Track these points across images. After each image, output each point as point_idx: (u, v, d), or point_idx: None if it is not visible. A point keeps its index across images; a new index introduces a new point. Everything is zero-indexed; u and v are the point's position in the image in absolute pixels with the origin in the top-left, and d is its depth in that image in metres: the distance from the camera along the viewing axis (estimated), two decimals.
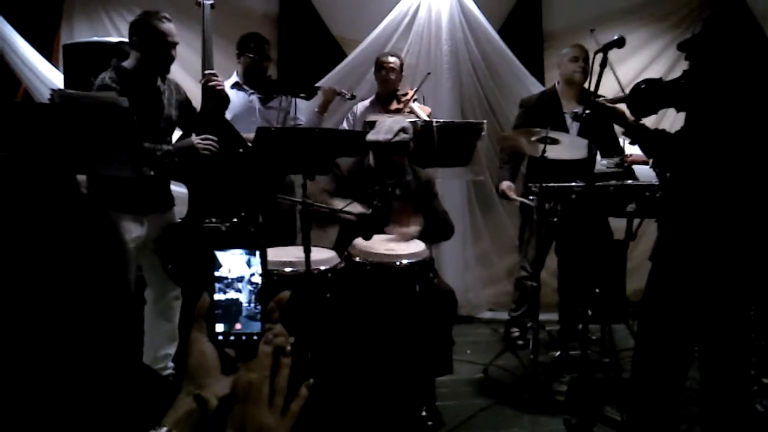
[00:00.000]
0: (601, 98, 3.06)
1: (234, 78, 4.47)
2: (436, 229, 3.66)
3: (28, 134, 2.65)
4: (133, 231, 3.43)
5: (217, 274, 1.00)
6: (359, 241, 3.36)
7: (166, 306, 3.65)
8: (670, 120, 4.55)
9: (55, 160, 2.59)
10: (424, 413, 3.34)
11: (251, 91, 4.46)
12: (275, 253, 3.37)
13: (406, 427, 3.29)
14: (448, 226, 3.78)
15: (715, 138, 2.60)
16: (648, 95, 2.81)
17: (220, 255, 1.00)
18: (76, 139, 2.71)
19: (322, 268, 3.16)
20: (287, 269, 3.11)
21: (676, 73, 2.82)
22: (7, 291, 0.71)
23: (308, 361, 2.97)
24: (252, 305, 1.00)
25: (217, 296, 1.00)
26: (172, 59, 3.49)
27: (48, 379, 0.73)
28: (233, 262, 1.00)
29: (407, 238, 3.42)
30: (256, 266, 1.00)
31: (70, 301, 0.75)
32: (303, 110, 4.61)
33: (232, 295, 1.00)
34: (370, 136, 3.54)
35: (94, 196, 3.39)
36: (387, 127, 3.54)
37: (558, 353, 4.08)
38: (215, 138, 3.54)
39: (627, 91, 2.98)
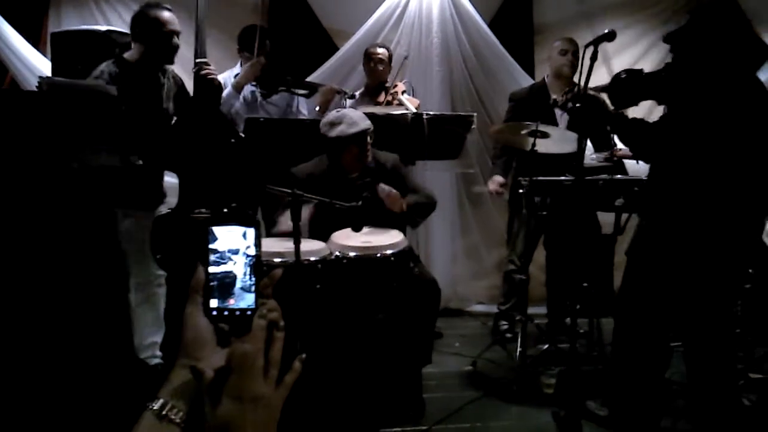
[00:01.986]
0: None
1: (236, 70, 4.45)
2: (418, 203, 3.60)
3: (15, 122, 2.62)
4: (120, 225, 3.41)
5: (212, 246, 1.00)
6: (337, 235, 3.35)
7: (150, 294, 3.62)
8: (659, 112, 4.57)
9: (42, 148, 2.56)
10: (409, 404, 3.34)
11: (253, 83, 4.44)
12: (264, 244, 3.34)
13: (389, 418, 3.29)
14: (429, 198, 3.71)
15: (695, 131, 2.62)
16: (628, 86, 2.82)
17: (216, 229, 1.00)
18: (63, 127, 2.69)
19: (312, 258, 3.15)
20: (276, 260, 3.09)
21: None
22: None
23: (297, 352, 2.95)
24: (247, 277, 1.00)
25: (212, 269, 1.00)
26: (173, 48, 3.50)
27: (42, 371, 0.73)
28: (229, 236, 1.00)
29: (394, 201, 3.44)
30: (251, 239, 1.01)
31: (63, 292, 0.75)
32: (305, 104, 4.59)
33: (227, 267, 1.00)
34: (351, 130, 3.44)
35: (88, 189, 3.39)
36: (357, 117, 3.50)
37: (546, 346, 4.09)
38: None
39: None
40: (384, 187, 3.46)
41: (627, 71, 2.87)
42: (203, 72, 3.57)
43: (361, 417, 3.25)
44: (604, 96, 2.92)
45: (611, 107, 2.88)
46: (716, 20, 2.67)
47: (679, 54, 2.75)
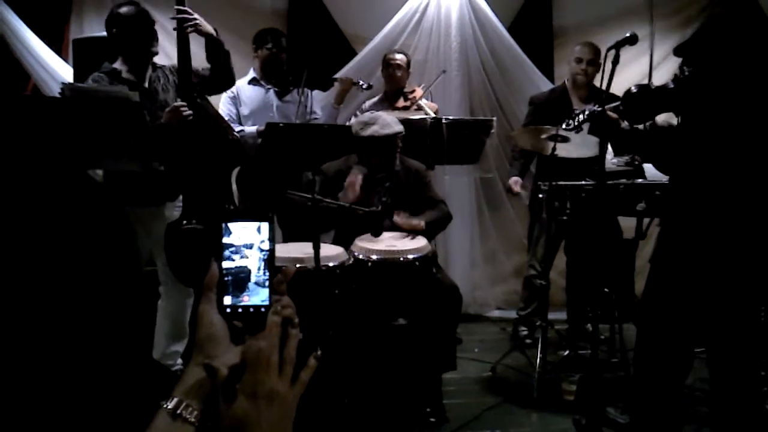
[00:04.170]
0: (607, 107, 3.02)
1: (251, 74, 4.47)
2: (435, 220, 3.62)
3: (38, 128, 2.64)
4: (152, 224, 3.44)
5: (226, 240, 1.00)
6: (361, 238, 3.36)
7: (177, 304, 3.64)
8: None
9: (64, 154, 2.58)
10: (428, 410, 3.33)
11: (268, 86, 4.45)
12: (283, 249, 3.36)
13: (410, 423, 3.28)
14: (445, 213, 3.74)
15: (717, 139, 2.60)
16: (642, 100, 2.80)
17: (231, 224, 1.00)
18: (85, 133, 2.70)
19: (331, 264, 3.15)
20: (296, 265, 3.09)
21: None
22: (17, 286, 0.70)
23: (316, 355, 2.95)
24: (261, 272, 1.00)
25: (227, 264, 1.00)
26: (146, 39, 3.42)
27: (55, 373, 0.72)
28: (243, 231, 1.00)
29: (413, 228, 3.45)
30: (266, 233, 1.01)
31: (79, 294, 0.74)
32: (319, 103, 4.60)
33: (241, 262, 1.00)
34: (384, 131, 3.48)
35: (111, 190, 3.38)
36: (390, 120, 3.54)
37: (567, 352, 4.06)
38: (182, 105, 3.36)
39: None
40: (398, 219, 3.47)
41: (637, 86, 2.85)
42: (183, 24, 3.38)
43: (381, 423, 3.24)
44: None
45: (624, 124, 2.87)
46: (725, 29, 2.65)
47: (695, 65, 2.73)
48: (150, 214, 3.47)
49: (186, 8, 3.40)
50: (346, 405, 3.15)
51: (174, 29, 3.42)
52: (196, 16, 3.42)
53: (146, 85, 3.47)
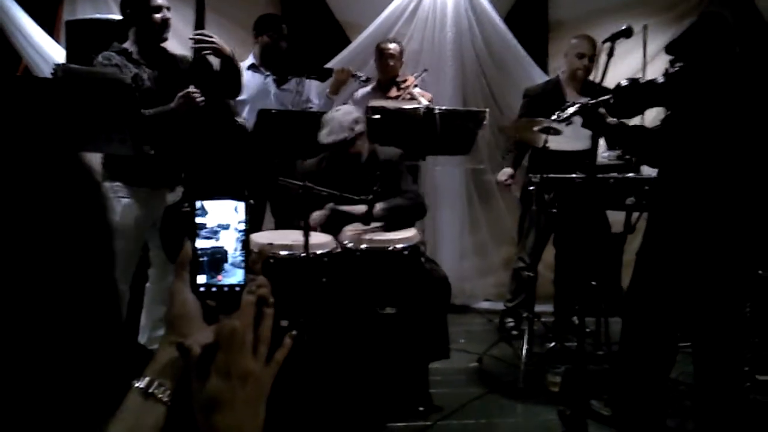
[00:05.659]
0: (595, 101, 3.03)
1: (250, 60, 4.45)
2: (395, 207, 3.49)
3: (29, 109, 2.63)
4: (151, 205, 3.44)
5: (202, 221, 0.99)
6: (349, 228, 3.35)
7: (165, 289, 3.63)
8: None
9: (53, 136, 2.57)
10: (415, 399, 3.35)
11: (267, 73, 4.44)
12: (272, 236, 3.36)
13: (397, 412, 3.30)
14: (418, 205, 3.63)
15: (706, 134, 2.62)
16: (633, 95, 2.81)
17: (207, 203, 0.99)
18: (76, 114, 2.69)
19: (319, 252, 3.15)
20: (284, 252, 3.10)
21: None
22: None
23: (304, 345, 2.97)
24: (237, 252, 0.99)
25: (203, 243, 0.99)
26: (161, 23, 3.39)
27: (25, 356, 0.71)
28: (219, 210, 0.99)
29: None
30: (242, 213, 0.99)
31: (51, 281, 0.73)
32: (316, 92, 4.59)
33: (217, 242, 0.99)
34: (327, 139, 3.40)
35: (109, 171, 3.38)
36: (338, 125, 3.41)
37: (552, 344, 4.08)
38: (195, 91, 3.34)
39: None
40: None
41: (627, 80, 2.87)
42: (201, 45, 3.39)
43: (368, 411, 3.25)
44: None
45: (613, 119, 2.88)
46: (715, 27, 2.67)
47: (686, 61, 2.74)
48: (149, 195, 3.46)
49: (205, 32, 3.43)
50: (331, 392, 3.16)
51: (191, 48, 3.45)
52: (215, 39, 3.43)
53: (155, 68, 3.45)
